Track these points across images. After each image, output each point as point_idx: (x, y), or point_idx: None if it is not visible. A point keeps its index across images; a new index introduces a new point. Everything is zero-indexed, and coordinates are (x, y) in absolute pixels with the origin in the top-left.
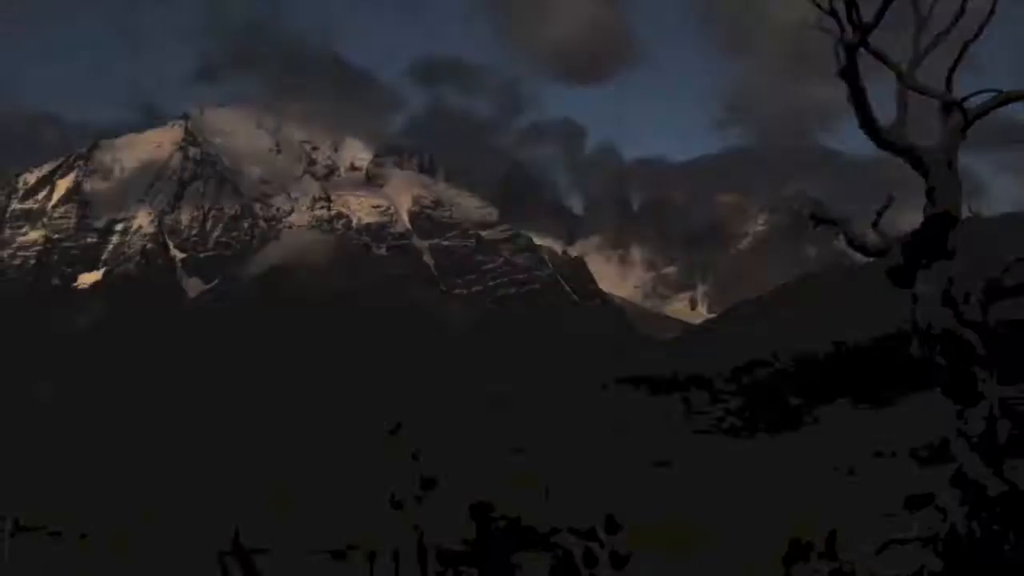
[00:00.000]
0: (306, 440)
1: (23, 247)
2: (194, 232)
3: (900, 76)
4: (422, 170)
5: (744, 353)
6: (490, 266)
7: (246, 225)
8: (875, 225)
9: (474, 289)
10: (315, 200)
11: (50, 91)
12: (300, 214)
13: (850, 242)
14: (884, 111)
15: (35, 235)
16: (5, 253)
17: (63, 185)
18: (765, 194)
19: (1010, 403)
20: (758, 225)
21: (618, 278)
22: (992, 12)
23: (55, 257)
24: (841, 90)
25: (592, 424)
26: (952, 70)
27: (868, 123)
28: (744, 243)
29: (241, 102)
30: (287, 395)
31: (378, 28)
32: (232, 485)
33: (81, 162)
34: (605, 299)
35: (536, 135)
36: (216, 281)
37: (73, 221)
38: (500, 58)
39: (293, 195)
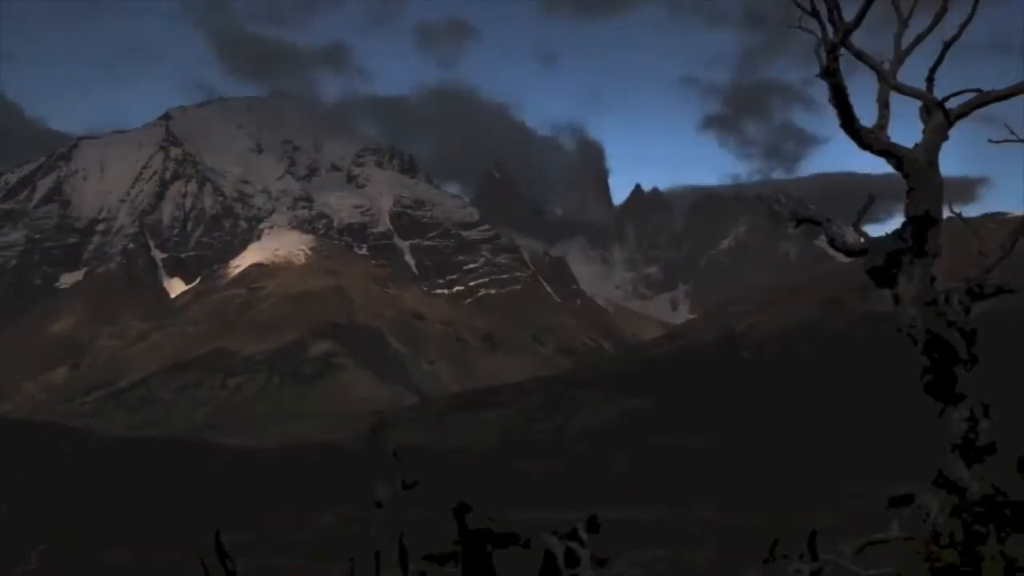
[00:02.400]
0: (285, 440)
1: (4, 247)
2: (175, 232)
3: (881, 76)
4: (403, 170)
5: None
6: (471, 266)
7: (227, 225)
8: (856, 225)
9: (455, 289)
10: (296, 200)
11: (32, 91)
12: (281, 214)
13: (831, 241)
14: (866, 111)
15: (16, 235)
16: None
17: (44, 185)
18: (749, 194)
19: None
20: (739, 225)
21: (599, 278)
22: (974, 12)
23: (36, 257)
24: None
25: (577, 423)
26: (933, 70)
27: (850, 124)
28: (725, 243)
29: (222, 102)
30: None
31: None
32: (221, 484)
33: (62, 162)
34: (586, 299)
35: (518, 136)
36: (197, 281)
37: (54, 221)
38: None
39: (274, 195)
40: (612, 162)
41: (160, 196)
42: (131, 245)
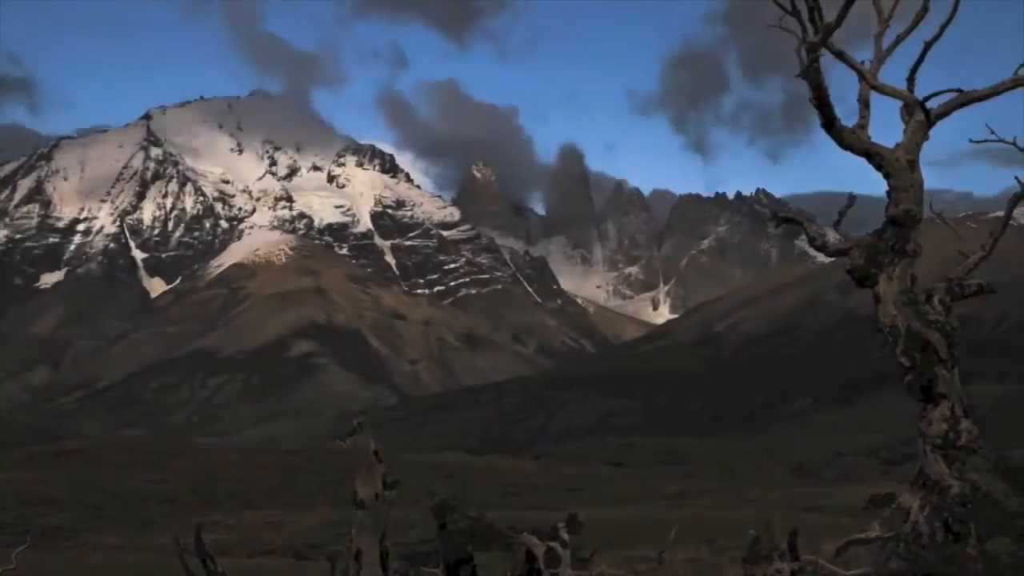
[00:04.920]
0: (264, 442)
1: None
2: (156, 232)
3: (862, 76)
4: (384, 170)
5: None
6: (452, 266)
7: (208, 225)
8: (837, 225)
9: (436, 289)
10: (277, 200)
11: (12, 90)
12: (262, 214)
13: (812, 241)
14: (847, 111)
15: None
16: None
17: (25, 185)
18: (728, 193)
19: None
20: (720, 225)
21: (580, 278)
22: (954, 13)
23: (17, 257)
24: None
25: (558, 423)
26: (914, 70)
27: (830, 124)
28: (706, 243)
29: (203, 102)
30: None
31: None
32: (201, 483)
33: (43, 162)
34: (567, 299)
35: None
36: (178, 281)
37: (35, 221)
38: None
39: (255, 195)
40: (596, 160)
41: (141, 196)
42: (112, 245)
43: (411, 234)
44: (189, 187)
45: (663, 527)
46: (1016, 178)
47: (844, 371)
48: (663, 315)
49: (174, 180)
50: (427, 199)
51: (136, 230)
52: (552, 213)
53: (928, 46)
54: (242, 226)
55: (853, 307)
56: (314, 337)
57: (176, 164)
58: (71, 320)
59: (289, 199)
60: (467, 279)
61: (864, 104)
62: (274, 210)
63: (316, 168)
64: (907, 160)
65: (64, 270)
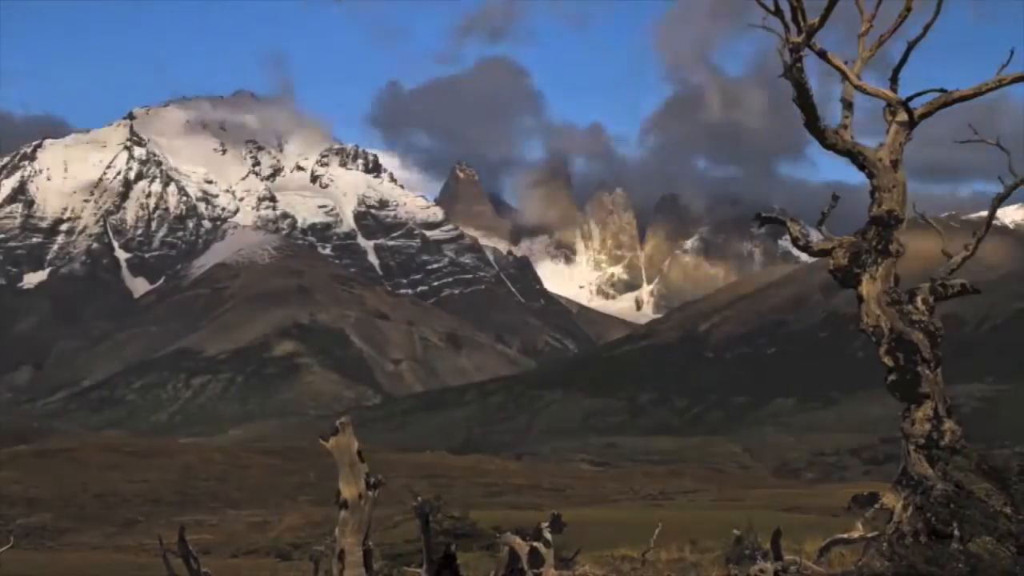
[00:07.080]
0: (248, 443)
1: None
2: (139, 232)
3: (845, 76)
4: (367, 170)
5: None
6: (435, 266)
7: (191, 225)
8: (820, 224)
9: (419, 289)
10: (260, 200)
11: None
12: (245, 214)
13: (795, 241)
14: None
15: None
16: None
17: (8, 185)
18: (712, 193)
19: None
20: (703, 225)
21: (563, 278)
22: (937, 13)
23: (0, 256)
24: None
25: (541, 423)
26: (897, 70)
27: (813, 124)
28: (689, 243)
29: (186, 101)
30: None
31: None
32: (184, 483)
33: (26, 162)
34: (550, 299)
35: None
36: (161, 281)
37: (18, 221)
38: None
39: (238, 195)
40: (579, 161)
41: (124, 196)
42: (95, 245)
43: (394, 234)
44: (172, 187)
45: (646, 527)
46: (999, 178)
47: (827, 371)
48: (646, 315)
49: (157, 180)
50: (410, 199)
51: (119, 230)
52: (536, 213)
53: (911, 46)
54: (225, 226)
55: (837, 307)
56: (297, 337)
57: (159, 164)
58: (54, 320)
59: (272, 199)
60: (450, 279)
61: (847, 104)
62: (257, 210)
63: (299, 168)
64: (890, 160)
65: (47, 270)
